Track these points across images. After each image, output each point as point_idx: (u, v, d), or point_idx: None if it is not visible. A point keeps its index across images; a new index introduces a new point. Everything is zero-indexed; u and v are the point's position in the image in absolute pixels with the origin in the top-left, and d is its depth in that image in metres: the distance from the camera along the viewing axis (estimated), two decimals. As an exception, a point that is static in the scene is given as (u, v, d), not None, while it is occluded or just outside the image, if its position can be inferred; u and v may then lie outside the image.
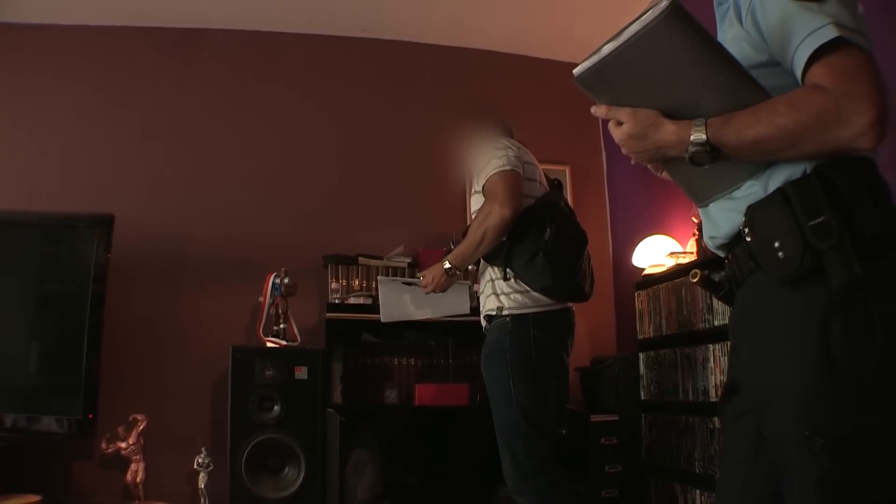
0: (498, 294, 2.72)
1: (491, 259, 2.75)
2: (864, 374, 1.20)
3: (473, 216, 2.87)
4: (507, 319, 2.67)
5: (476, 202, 2.83)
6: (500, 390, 2.64)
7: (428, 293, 2.91)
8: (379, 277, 3.53)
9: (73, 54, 4.17)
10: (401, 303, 3.14)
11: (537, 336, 2.64)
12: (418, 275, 3.04)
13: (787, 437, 1.27)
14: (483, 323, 2.85)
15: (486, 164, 2.71)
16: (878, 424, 1.21)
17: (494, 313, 2.72)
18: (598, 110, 1.44)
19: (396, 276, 3.91)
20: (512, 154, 2.71)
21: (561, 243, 2.66)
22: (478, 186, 2.78)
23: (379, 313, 3.69)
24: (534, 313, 2.66)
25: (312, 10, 4.26)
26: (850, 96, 1.19)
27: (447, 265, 2.81)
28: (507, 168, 2.66)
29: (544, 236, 2.64)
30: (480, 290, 2.89)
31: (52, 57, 4.14)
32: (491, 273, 2.79)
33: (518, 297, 2.68)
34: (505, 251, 2.68)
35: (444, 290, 2.92)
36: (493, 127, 2.98)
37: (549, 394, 2.71)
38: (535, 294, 2.66)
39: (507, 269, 2.69)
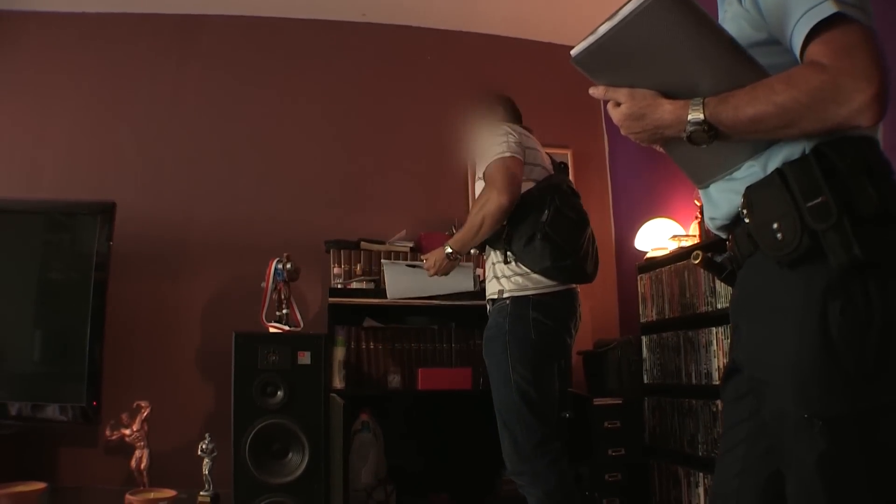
0: (499, 277, 2.73)
1: (492, 243, 2.76)
2: (863, 356, 1.19)
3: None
4: (507, 302, 2.68)
5: (479, 188, 2.82)
6: (499, 373, 2.65)
7: (431, 276, 2.93)
8: (383, 261, 3.52)
9: (73, 42, 4.16)
10: (406, 283, 3.21)
11: (536, 318, 2.63)
12: (421, 258, 3.04)
13: (785, 419, 1.27)
14: (488, 307, 2.84)
15: (486, 150, 2.71)
16: (877, 406, 1.20)
17: (496, 297, 2.73)
18: (597, 91, 1.44)
19: (399, 260, 3.91)
20: (513, 140, 2.71)
21: (559, 224, 2.65)
22: (479, 173, 2.78)
23: (381, 297, 3.72)
24: (533, 295, 2.66)
25: (312, -5, 4.26)
26: (849, 73, 1.17)
27: (448, 250, 2.82)
28: (507, 154, 2.66)
29: (542, 218, 2.63)
30: (486, 275, 2.89)
31: (52, 45, 4.13)
32: (493, 257, 2.79)
33: (518, 279, 2.68)
34: (505, 234, 2.68)
35: (445, 274, 2.93)
36: (497, 112, 2.98)
37: (549, 376, 2.70)
38: (534, 276, 2.66)
39: (507, 252, 2.70)
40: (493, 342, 2.69)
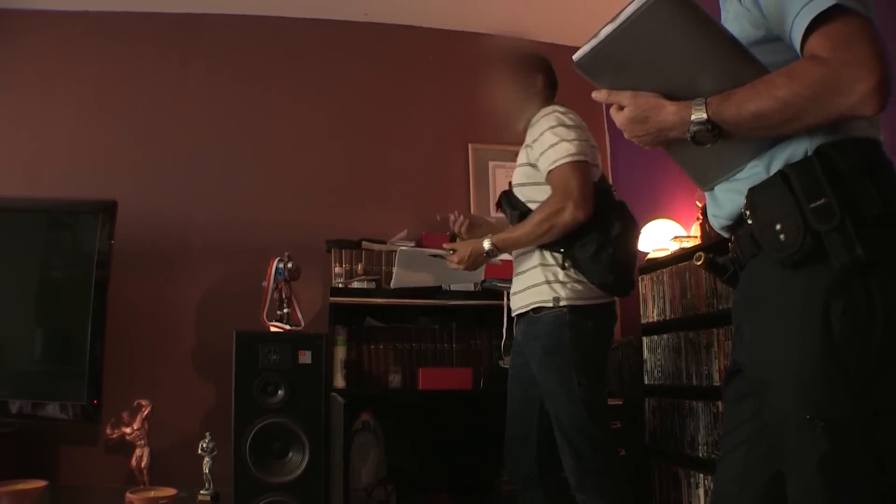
0: (551, 282, 2.52)
1: (549, 245, 2.54)
2: (864, 357, 1.19)
3: (516, 190, 2.68)
4: (565, 311, 2.48)
5: (524, 174, 2.64)
6: (561, 386, 2.47)
7: (454, 269, 2.73)
8: (401, 248, 3.22)
9: (75, 40, 4.15)
10: (415, 272, 2.97)
11: (595, 328, 2.51)
12: (446, 247, 2.81)
13: (787, 420, 1.27)
14: (521, 311, 2.64)
15: (553, 142, 2.50)
16: (879, 407, 1.21)
17: (550, 304, 2.51)
18: (599, 95, 1.44)
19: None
20: (583, 137, 2.53)
21: (628, 239, 2.52)
22: (532, 157, 2.58)
23: (383, 297, 3.72)
24: (591, 305, 2.51)
25: (314, -6, 4.26)
26: (850, 64, 1.17)
27: (488, 246, 2.61)
28: (581, 159, 2.46)
29: (613, 230, 2.47)
30: (517, 272, 2.69)
31: (54, 43, 4.13)
32: (541, 258, 2.57)
33: (576, 286, 2.49)
34: (566, 238, 2.49)
35: (473, 269, 2.77)
36: (537, 81, 2.76)
37: (605, 386, 2.61)
38: (590, 285, 2.49)
39: (567, 258, 2.50)
40: (555, 355, 2.49)
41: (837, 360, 1.20)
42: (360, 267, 3.91)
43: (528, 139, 2.63)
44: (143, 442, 3.40)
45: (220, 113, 4.25)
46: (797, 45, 1.26)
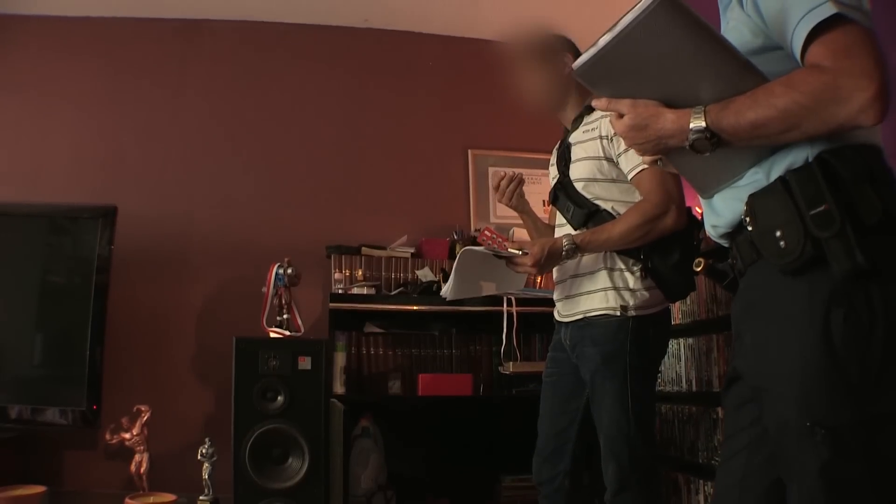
0: (620, 289, 2.35)
1: (627, 250, 2.36)
2: (865, 364, 1.19)
3: (578, 185, 2.44)
4: (630, 319, 2.32)
5: (594, 169, 2.40)
6: (614, 397, 2.32)
7: (521, 272, 2.41)
8: (466, 248, 2.52)
9: (76, 46, 4.16)
10: (474, 278, 2.56)
11: (656, 335, 2.38)
12: (511, 248, 2.47)
13: (788, 428, 1.27)
14: (577, 317, 2.44)
15: None
16: (880, 415, 1.20)
17: (618, 313, 2.33)
18: (599, 103, 1.44)
19: (399, 266, 3.93)
20: None
21: (698, 247, 2.37)
22: (612, 152, 2.36)
23: (382, 303, 3.72)
24: (655, 313, 2.37)
25: (314, 0, 4.25)
26: (849, 74, 1.17)
27: (569, 245, 2.29)
28: None
29: (694, 240, 2.33)
30: (570, 275, 2.47)
31: (55, 48, 4.13)
32: (608, 261, 2.38)
33: (645, 294, 2.33)
34: (650, 244, 2.32)
35: (544, 273, 2.57)
36: (567, 64, 2.51)
37: (655, 400, 2.51)
38: (657, 292, 2.34)
39: (645, 266, 2.32)
40: (613, 364, 2.33)
41: (838, 368, 1.20)
42: (359, 273, 3.91)
43: (603, 130, 2.38)
44: (142, 447, 3.40)
45: (220, 119, 4.25)
46: (797, 53, 1.26)
